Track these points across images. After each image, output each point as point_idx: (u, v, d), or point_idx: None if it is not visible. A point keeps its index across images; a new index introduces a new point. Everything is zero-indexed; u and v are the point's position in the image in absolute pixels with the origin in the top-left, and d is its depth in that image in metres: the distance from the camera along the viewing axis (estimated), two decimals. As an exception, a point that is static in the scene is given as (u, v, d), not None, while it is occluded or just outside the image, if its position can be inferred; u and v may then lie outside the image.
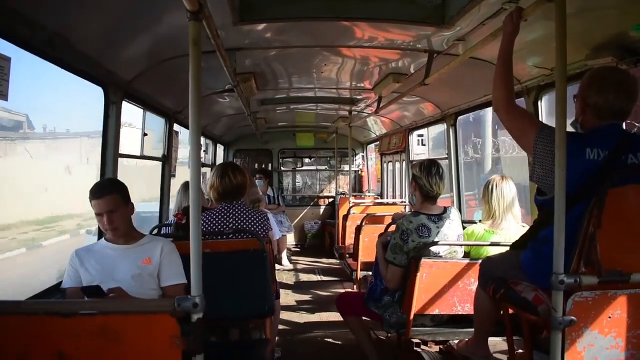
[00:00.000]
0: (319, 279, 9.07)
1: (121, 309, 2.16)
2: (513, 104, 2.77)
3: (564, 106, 2.26)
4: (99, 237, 3.55)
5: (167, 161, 5.90)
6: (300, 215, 12.39)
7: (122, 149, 4.28)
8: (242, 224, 4.07)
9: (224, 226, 4.05)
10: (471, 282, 3.81)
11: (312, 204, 12.79)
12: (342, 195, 10.57)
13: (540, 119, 4.32)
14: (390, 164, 10.79)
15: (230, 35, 3.98)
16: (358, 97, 7.37)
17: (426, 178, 3.97)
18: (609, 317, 2.25)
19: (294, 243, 12.15)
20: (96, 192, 3.17)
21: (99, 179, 3.90)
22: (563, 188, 2.19)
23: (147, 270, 3.25)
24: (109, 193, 3.18)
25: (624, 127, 2.65)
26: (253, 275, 3.59)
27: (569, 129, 2.50)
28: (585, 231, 2.31)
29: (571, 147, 2.28)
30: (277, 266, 9.38)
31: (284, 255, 10.17)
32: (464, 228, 4.27)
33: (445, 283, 3.85)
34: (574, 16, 3.00)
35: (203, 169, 8.95)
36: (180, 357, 2.05)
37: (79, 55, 3.38)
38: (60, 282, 3.32)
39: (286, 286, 8.29)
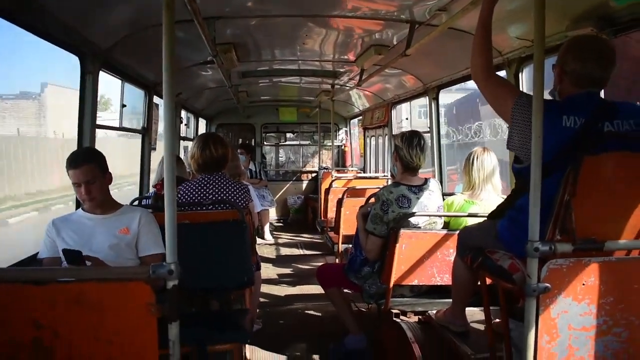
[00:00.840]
0: (301, 252, 9.11)
1: (97, 277, 2.15)
2: (491, 72, 2.77)
3: (541, 73, 2.25)
4: (77, 207, 3.51)
5: (146, 134, 5.83)
6: (283, 190, 12.39)
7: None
8: (221, 195, 4.06)
9: (204, 197, 4.04)
10: (450, 252, 3.84)
11: (295, 178, 12.79)
12: (325, 170, 10.56)
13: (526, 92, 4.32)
14: (373, 138, 10.79)
15: (209, 3, 3.91)
16: (341, 70, 7.32)
17: (407, 149, 3.97)
18: (583, 285, 2.27)
19: (277, 218, 12.15)
20: (73, 162, 3.13)
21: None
22: (539, 156, 2.19)
23: (125, 240, 3.23)
24: (87, 163, 3.14)
25: (601, 95, 2.65)
26: (232, 246, 3.59)
27: (547, 97, 2.51)
28: (561, 199, 2.32)
29: (548, 115, 2.28)
30: (259, 240, 9.44)
31: (267, 229, 10.18)
32: (444, 199, 4.29)
33: (424, 254, 3.89)
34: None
35: (184, 143, 8.87)
36: (155, 325, 2.04)
37: (53, 22, 3.29)
38: (37, 253, 3.29)
39: (268, 260, 8.32)
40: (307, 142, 13.10)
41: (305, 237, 10.36)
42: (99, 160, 3.22)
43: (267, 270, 7.54)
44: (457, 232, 3.60)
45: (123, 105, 5.17)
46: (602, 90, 2.67)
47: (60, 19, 3.36)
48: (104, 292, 2.08)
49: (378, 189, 4.16)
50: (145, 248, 3.28)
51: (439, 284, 3.95)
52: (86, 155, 3.26)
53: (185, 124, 9.45)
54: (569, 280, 2.26)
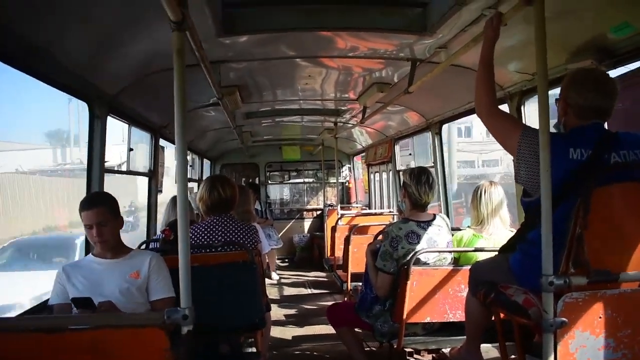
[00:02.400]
0: (309, 292, 9.03)
1: (110, 323, 2.13)
2: (496, 107, 2.80)
3: (547, 107, 2.28)
4: (86, 253, 3.51)
5: (153, 176, 5.87)
6: (287, 228, 12.36)
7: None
8: (230, 236, 4.05)
9: (213, 239, 4.03)
10: (461, 288, 3.81)
11: (299, 216, 12.78)
12: (330, 207, 10.55)
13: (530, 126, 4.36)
14: (377, 174, 10.82)
15: (214, 48, 3.98)
16: (343, 108, 7.40)
17: (416, 187, 3.98)
18: (600, 318, 2.25)
19: (283, 257, 12.07)
20: (86, 204, 3.17)
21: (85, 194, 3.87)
22: (549, 189, 2.21)
23: (136, 284, 3.22)
24: (99, 205, 3.17)
25: (605, 126, 2.67)
26: (243, 288, 3.56)
27: (552, 130, 2.53)
28: (573, 232, 2.31)
29: (555, 148, 2.30)
30: (267, 280, 9.35)
31: (273, 268, 10.13)
32: (452, 235, 4.28)
33: (435, 290, 3.86)
34: (553, 20, 3.04)
35: (190, 184, 8.91)
36: None
37: (62, 70, 3.35)
38: (47, 300, 3.28)
39: (275, 300, 8.24)
40: (311, 180, 13.14)
41: (312, 276, 10.28)
42: (112, 204, 3.25)
43: (276, 312, 7.45)
44: (468, 267, 3.59)
45: (130, 149, 5.21)
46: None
47: (69, 67, 3.42)
48: (118, 338, 2.07)
49: (385, 226, 4.16)
50: (155, 292, 3.26)
51: (451, 320, 3.91)
52: (99, 198, 3.31)
53: (190, 165, 9.50)
54: (585, 314, 2.24)
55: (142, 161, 6.09)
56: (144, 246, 4.84)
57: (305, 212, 12.84)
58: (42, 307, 3.32)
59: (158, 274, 3.29)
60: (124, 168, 5.26)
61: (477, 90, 2.82)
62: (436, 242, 3.98)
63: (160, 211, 5.72)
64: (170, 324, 1.99)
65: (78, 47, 3.30)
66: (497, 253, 3.16)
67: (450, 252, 4.06)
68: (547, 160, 2.23)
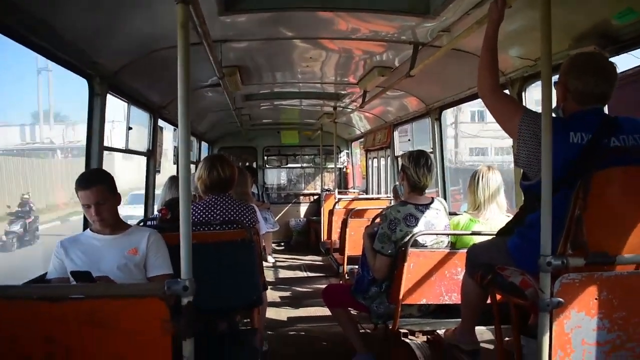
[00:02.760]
0: (305, 275, 9.08)
1: (111, 293, 2.15)
2: (498, 90, 2.81)
3: (550, 90, 2.28)
4: (84, 228, 3.51)
5: (151, 156, 5.86)
6: (284, 212, 12.38)
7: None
8: (229, 215, 4.06)
9: (212, 218, 4.04)
10: (458, 271, 3.84)
11: (296, 201, 12.79)
12: (327, 192, 10.57)
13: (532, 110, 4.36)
14: (375, 160, 10.82)
15: (215, 27, 3.96)
16: (343, 92, 7.38)
17: (414, 169, 3.99)
18: (595, 299, 2.27)
19: (279, 240, 12.10)
20: (83, 183, 3.13)
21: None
22: (550, 171, 2.21)
23: (134, 260, 3.22)
24: (97, 184, 3.14)
25: (605, 111, 2.68)
26: (241, 266, 3.58)
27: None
28: (572, 214, 2.32)
29: (555, 132, 2.30)
30: (263, 263, 9.38)
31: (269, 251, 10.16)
32: (449, 219, 4.30)
33: (432, 272, 3.89)
34: (557, 5, 3.01)
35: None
36: (170, 342, 2.03)
37: (63, 44, 3.33)
38: (45, 273, 3.28)
39: (271, 283, 8.26)
40: (309, 165, 13.14)
41: (308, 259, 10.33)
42: (109, 182, 3.22)
43: (272, 294, 7.50)
44: (464, 250, 3.60)
45: (129, 128, 5.20)
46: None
47: (71, 43, 3.41)
48: (118, 309, 2.08)
49: (382, 209, 4.17)
50: (153, 268, 3.26)
51: (447, 302, 3.94)
52: (96, 177, 3.26)
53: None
54: (582, 295, 2.26)
55: (140, 140, 6.09)
56: (142, 224, 4.84)
57: (302, 197, 12.85)
58: (40, 281, 3.32)
59: (157, 250, 3.30)
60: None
61: (481, 72, 2.82)
62: (434, 225, 4.00)
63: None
64: (170, 296, 2.00)
65: (80, 21, 3.28)
66: (494, 236, 3.18)
67: (447, 235, 4.08)
68: (548, 143, 2.23)
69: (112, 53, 3.96)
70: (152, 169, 5.89)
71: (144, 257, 3.27)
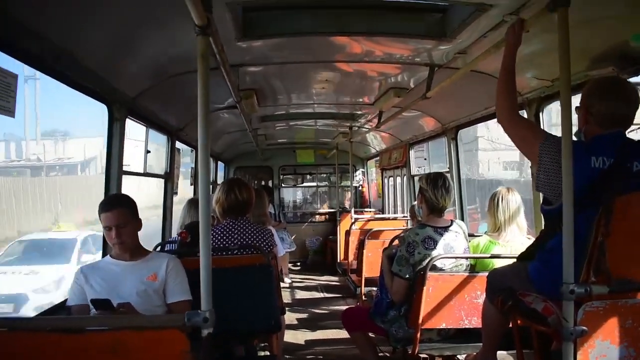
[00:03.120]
0: (322, 295, 9.03)
1: (130, 325, 2.15)
2: (517, 114, 2.80)
3: (569, 113, 2.28)
4: (104, 254, 3.54)
5: (169, 178, 5.90)
6: (300, 231, 12.34)
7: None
8: (247, 239, 4.06)
9: (229, 242, 4.04)
10: (477, 295, 3.79)
11: (313, 220, 12.77)
12: (343, 211, 10.55)
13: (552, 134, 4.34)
14: (391, 178, 10.79)
15: (233, 52, 4.00)
16: (358, 112, 7.40)
17: (432, 191, 3.97)
18: (620, 327, 2.24)
19: (295, 260, 12.07)
20: (106, 206, 3.21)
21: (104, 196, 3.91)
22: (571, 196, 2.19)
23: (153, 286, 3.24)
24: (119, 207, 3.21)
25: (627, 134, 2.65)
26: (259, 291, 3.58)
27: (573, 139, 2.51)
28: (594, 240, 2.30)
29: (576, 156, 2.29)
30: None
31: (286, 272, 10.15)
32: (469, 241, 4.26)
33: (451, 296, 3.84)
34: (574, 27, 3.00)
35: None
36: None
37: (84, 72, 3.38)
38: (66, 300, 3.31)
39: (288, 304, 8.22)
40: (325, 184, 13.15)
41: (325, 280, 10.28)
42: (131, 206, 3.28)
43: (288, 315, 7.44)
44: (484, 273, 3.58)
45: (147, 152, 5.24)
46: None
47: (90, 69, 3.46)
48: (137, 340, 2.08)
49: (402, 231, 4.15)
50: (173, 294, 3.28)
51: (467, 327, 3.89)
52: (119, 200, 3.33)
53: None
54: (606, 323, 2.23)
55: (158, 163, 6.15)
56: (159, 248, 4.86)
57: (318, 216, 12.83)
58: (60, 308, 3.34)
59: (176, 276, 3.31)
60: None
61: (499, 96, 2.81)
62: (453, 248, 3.97)
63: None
64: (190, 326, 1.99)
65: (99, 49, 3.33)
66: (515, 260, 3.14)
67: (466, 258, 4.04)
68: (569, 168, 2.22)
69: (131, 79, 4.02)
70: (170, 192, 5.92)
71: (163, 283, 3.28)
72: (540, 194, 2.75)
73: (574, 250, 2.22)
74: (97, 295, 3.09)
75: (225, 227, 4.10)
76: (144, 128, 5.11)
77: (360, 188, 12.80)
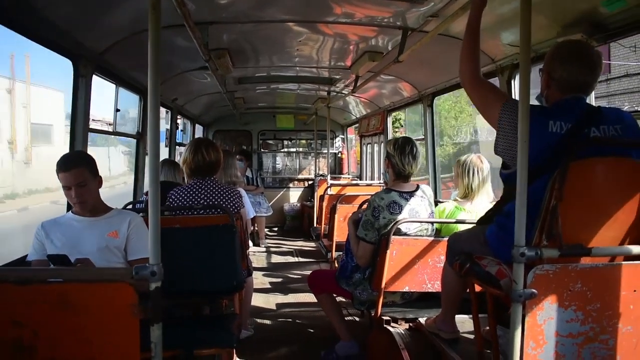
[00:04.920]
0: (296, 260, 9.09)
1: (78, 278, 2.14)
2: (479, 77, 2.78)
3: (527, 78, 2.25)
4: (68, 210, 3.50)
5: (141, 139, 5.82)
6: (278, 197, 12.40)
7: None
8: (213, 199, 4.06)
9: (195, 201, 4.04)
10: (441, 259, 3.82)
11: (291, 186, 12.78)
12: (321, 177, 10.56)
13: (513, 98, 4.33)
14: (369, 145, 10.79)
15: (203, 8, 3.92)
16: (336, 76, 7.34)
17: (399, 157, 3.97)
18: (570, 291, 2.26)
19: (272, 225, 12.12)
20: (64, 165, 3.12)
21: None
22: (526, 161, 2.19)
23: (114, 243, 3.22)
24: (77, 166, 3.13)
25: (587, 101, 2.65)
26: (222, 251, 3.56)
27: (534, 102, 2.51)
28: (547, 204, 2.31)
29: (534, 120, 2.28)
30: (254, 248, 9.41)
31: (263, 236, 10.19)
32: (436, 206, 4.29)
33: (415, 260, 3.88)
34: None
35: (180, 149, 8.87)
36: (137, 327, 2.03)
37: (46, 24, 3.29)
38: (26, 255, 3.28)
39: (262, 268, 8.30)
40: (304, 150, 13.12)
41: (300, 245, 10.34)
42: (90, 164, 3.21)
43: (260, 279, 7.53)
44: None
45: (117, 110, 5.17)
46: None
47: (54, 23, 3.36)
48: (87, 293, 2.07)
49: (371, 196, 4.15)
50: (134, 252, 3.27)
51: (429, 290, 3.94)
52: (77, 159, 3.24)
53: (181, 130, 9.44)
54: (555, 286, 2.25)
55: (130, 123, 6.07)
56: (130, 207, 4.84)
57: (296, 182, 12.86)
58: (20, 262, 3.31)
59: (137, 234, 3.29)
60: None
61: (462, 58, 2.79)
62: (418, 212, 3.99)
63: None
64: (139, 280, 1.98)
65: (64, 1, 3.23)
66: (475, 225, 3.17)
67: (430, 222, 4.07)
68: (525, 132, 2.20)
69: (97, 34, 3.92)
70: (142, 152, 5.85)
71: (124, 240, 3.27)
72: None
73: (528, 214, 2.22)
74: (58, 250, 3.07)
75: (191, 187, 4.09)
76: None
77: (339, 155, 12.80)
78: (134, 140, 5.83)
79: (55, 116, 27.59)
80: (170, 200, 4.11)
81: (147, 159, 2.09)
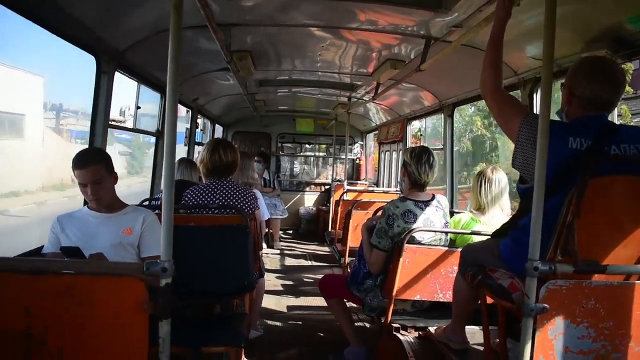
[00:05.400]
0: (309, 264, 9.08)
1: (90, 270, 2.15)
2: (500, 89, 2.75)
3: (549, 94, 2.22)
4: (84, 204, 3.54)
5: (161, 136, 5.88)
6: (294, 200, 12.38)
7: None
8: (228, 199, 4.07)
9: (210, 201, 4.06)
10: (453, 270, 3.79)
11: (307, 189, 12.77)
12: (338, 182, 10.55)
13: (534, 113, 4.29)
14: (387, 153, 10.76)
15: (226, 10, 3.94)
16: (358, 83, 7.35)
17: (415, 166, 3.95)
18: (582, 307, 2.23)
19: (287, 227, 12.12)
20: (80, 162, 3.13)
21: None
22: (543, 175, 2.16)
23: (128, 240, 3.24)
24: (93, 163, 3.14)
25: (609, 118, 2.61)
26: (234, 251, 3.57)
27: (554, 118, 2.48)
28: (564, 220, 2.28)
29: (554, 135, 2.25)
30: (268, 250, 9.42)
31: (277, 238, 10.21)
32: (451, 217, 4.25)
33: (427, 269, 3.86)
34: (569, 6, 2.97)
35: (200, 148, 8.92)
36: (146, 321, 2.04)
37: (70, 20, 3.33)
38: (42, 247, 3.32)
39: (275, 271, 8.30)
40: (323, 154, 13.13)
41: (314, 249, 10.33)
42: (106, 161, 3.23)
43: (273, 281, 7.53)
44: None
45: (138, 107, 5.22)
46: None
47: (79, 19, 3.41)
48: (96, 286, 2.09)
49: (386, 204, 4.13)
50: (147, 249, 3.28)
51: (441, 300, 3.91)
52: (93, 156, 3.26)
53: (201, 130, 9.49)
54: (568, 302, 2.23)
55: (150, 120, 6.12)
56: (147, 203, 4.87)
57: (313, 186, 12.84)
58: (35, 254, 3.35)
59: (151, 231, 3.31)
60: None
61: (484, 70, 2.76)
62: (432, 222, 3.97)
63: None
64: (149, 276, 1.99)
65: None
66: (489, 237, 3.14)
67: (445, 232, 4.04)
68: (544, 147, 2.18)
69: (121, 31, 3.97)
70: (161, 149, 5.90)
71: (138, 237, 3.28)
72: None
73: (544, 230, 2.19)
74: (72, 244, 3.09)
75: (207, 187, 4.11)
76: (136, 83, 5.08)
77: (357, 161, 12.79)
78: (134, 140, 5.87)
79: (30, 105, 23.61)
80: (186, 198, 4.13)
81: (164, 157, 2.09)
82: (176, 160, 5.28)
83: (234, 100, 9.02)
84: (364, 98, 8.26)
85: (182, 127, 8.08)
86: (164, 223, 2.02)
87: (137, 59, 4.49)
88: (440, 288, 3.87)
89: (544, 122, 2.21)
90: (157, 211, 3.54)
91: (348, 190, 8.53)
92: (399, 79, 5.77)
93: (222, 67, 5.82)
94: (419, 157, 3.96)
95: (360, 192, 8.94)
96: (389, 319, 3.87)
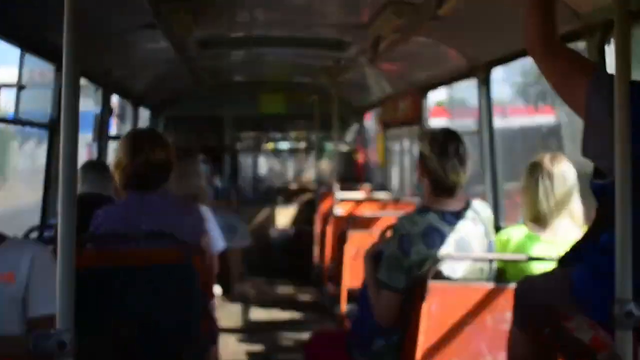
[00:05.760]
0: (288, 316, 9.11)
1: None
2: (555, 40, 2.76)
3: (628, 42, 2.20)
4: None
5: (56, 128, 5.78)
6: (263, 218, 12.32)
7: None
8: (160, 223, 4.01)
9: (133, 227, 3.99)
10: (506, 318, 3.77)
11: (282, 200, 12.72)
12: (324, 189, 10.50)
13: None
14: (397, 141, 10.78)
15: None
16: (347, 39, 7.35)
17: (438, 159, 3.89)
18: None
19: (252, 260, 11.96)
20: None
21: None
22: (628, 168, 2.14)
23: (8, 291, 3.17)
24: None
25: None
26: (171, 304, 3.55)
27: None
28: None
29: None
30: (225, 298, 9.39)
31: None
32: (497, 233, 4.23)
33: (466, 319, 3.83)
34: None
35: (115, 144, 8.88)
36: None
37: None
38: None
39: (234, 330, 8.34)
40: (301, 145, 13.11)
41: (294, 292, 10.34)
42: None
43: (233, 346, 7.56)
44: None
45: (20, 87, 5.13)
46: None
47: None
48: None
49: (398, 219, 4.10)
50: (37, 306, 3.21)
51: (489, 365, 3.90)
52: None
53: (118, 115, 9.43)
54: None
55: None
56: (35, 234, 4.80)
57: (289, 195, 12.78)
58: None
59: (43, 278, 3.24)
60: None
61: (529, 14, 2.79)
62: (469, 244, 3.95)
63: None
64: (39, 355, 1.94)
65: None
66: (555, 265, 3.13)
67: (490, 260, 4.01)
68: (625, 122, 2.16)
69: None
70: (56, 148, 5.79)
71: (23, 287, 3.21)
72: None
73: (636, 250, 2.18)
74: None
75: (127, 205, 4.08)
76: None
77: (353, 153, 12.76)
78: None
79: None
80: (96, 223, 4.07)
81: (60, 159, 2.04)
82: (80, 165, 5.24)
83: (165, 71, 8.96)
84: (359, 60, 8.25)
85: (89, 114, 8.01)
86: (61, 265, 1.97)
87: (17, 15, 4.43)
88: (487, 347, 3.85)
89: (623, 86, 2.18)
90: (52, 245, 3.48)
91: (341, 200, 8.51)
92: (406, 32, 5.75)
93: (147, 22, 5.76)
94: (443, 146, 3.91)
95: (360, 201, 8.93)
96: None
